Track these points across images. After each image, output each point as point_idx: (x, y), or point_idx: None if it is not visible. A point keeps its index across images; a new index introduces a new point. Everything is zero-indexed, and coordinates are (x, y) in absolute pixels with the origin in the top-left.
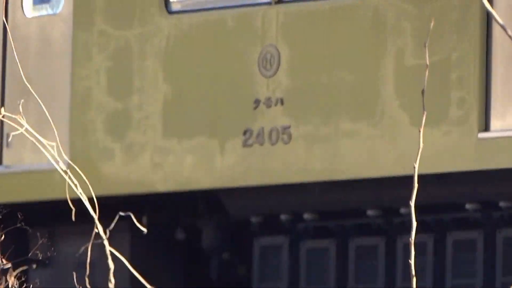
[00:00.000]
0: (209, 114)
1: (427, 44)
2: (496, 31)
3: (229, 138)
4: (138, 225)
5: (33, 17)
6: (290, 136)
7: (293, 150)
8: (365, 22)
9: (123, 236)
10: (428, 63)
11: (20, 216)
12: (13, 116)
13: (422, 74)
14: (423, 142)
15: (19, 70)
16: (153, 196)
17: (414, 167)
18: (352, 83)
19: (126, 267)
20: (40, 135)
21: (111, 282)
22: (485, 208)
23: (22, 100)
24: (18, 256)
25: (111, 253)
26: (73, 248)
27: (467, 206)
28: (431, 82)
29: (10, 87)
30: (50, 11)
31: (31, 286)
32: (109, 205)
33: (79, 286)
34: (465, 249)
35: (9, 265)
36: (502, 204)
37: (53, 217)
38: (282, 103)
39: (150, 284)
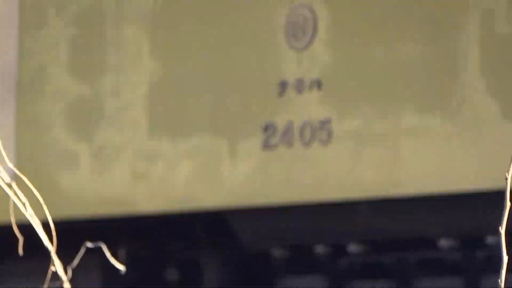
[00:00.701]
0: (214, 103)
1: None
2: None
3: (243, 137)
4: (112, 260)
5: None
6: (330, 134)
7: (334, 154)
8: None
9: (91, 276)
10: None
11: None
12: None
13: None
14: None
15: None
16: (135, 219)
17: (506, 179)
18: (418, 59)
19: None
20: None
21: None
22: None
23: None
24: None
25: None
26: None
27: None
28: None
29: None
30: None
31: None
32: (72, 232)
33: None
34: None
35: None
36: None
37: None
38: (319, 87)
39: None
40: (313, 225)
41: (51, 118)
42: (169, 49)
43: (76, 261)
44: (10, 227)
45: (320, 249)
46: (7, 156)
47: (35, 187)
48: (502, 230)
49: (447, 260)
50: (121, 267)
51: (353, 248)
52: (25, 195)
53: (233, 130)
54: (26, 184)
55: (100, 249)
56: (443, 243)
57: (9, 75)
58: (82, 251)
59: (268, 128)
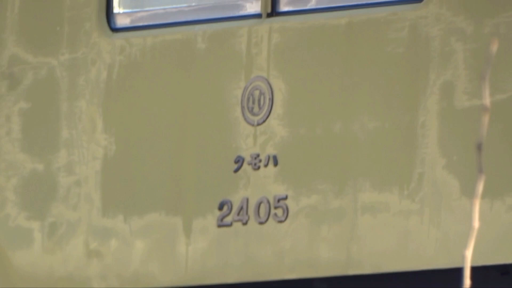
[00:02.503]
0: (170, 179)
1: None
2: None
3: (198, 215)
4: None
5: None
6: (286, 212)
7: (291, 232)
8: (398, 43)
9: None
10: (487, 103)
11: None
12: None
13: (478, 120)
14: (479, 221)
15: None
16: None
17: (465, 257)
18: (377, 134)
19: None
20: None
21: None
22: None
23: None
24: None
25: None
26: None
27: None
28: (493, 131)
29: None
30: None
31: None
32: None
33: None
34: None
35: None
36: None
37: None
38: (275, 163)
39: None
40: None
41: (3, 194)
42: (123, 124)
43: None
44: None
45: None
46: None
47: None
48: None
49: None
50: None
51: None
52: None
53: (188, 207)
54: None
55: None
56: None
57: None
58: None
59: (224, 206)
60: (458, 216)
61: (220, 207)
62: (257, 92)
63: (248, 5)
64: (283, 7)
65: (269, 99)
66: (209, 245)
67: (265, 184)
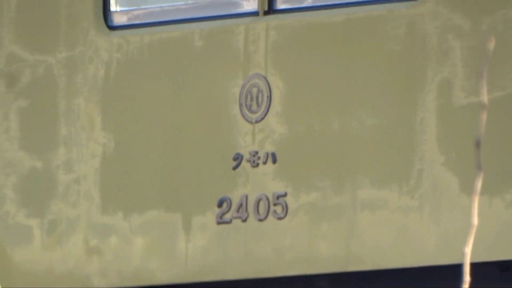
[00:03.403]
0: (169, 176)
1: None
2: None
3: (198, 212)
4: None
5: None
6: (286, 209)
7: (290, 229)
8: (396, 41)
9: None
10: (485, 100)
11: None
12: None
13: (476, 117)
14: (478, 218)
15: None
16: None
17: (464, 254)
18: (375, 131)
19: None
20: None
21: None
22: None
23: None
24: None
25: None
26: None
27: None
28: (491, 128)
29: None
30: None
31: None
32: None
33: None
34: None
35: None
36: None
37: None
38: (274, 160)
39: None
40: None
41: (2, 192)
42: (121, 121)
43: None
44: None
45: None
46: None
47: None
48: None
49: None
50: None
51: None
52: None
53: (188, 205)
54: None
55: None
56: None
57: None
58: None
59: (223, 203)
60: (457, 213)
61: (220, 204)
62: (255, 90)
63: (245, 3)
64: (280, 5)
65: (267, 96)
66: (209, 242)
67: (264, 181)
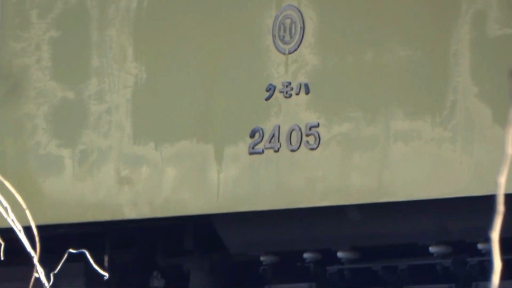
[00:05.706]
0: (200, 107)
1: None
2: None
3: (229, 142)
4: (96, 267)
5: None
6: (318, 139)
7: (322, 159)
8: None
9: (75, 282)
10: None
11: None
12: None
13: (510, 48)
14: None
15: None
16: (119, 226)
17: (498, 184)
18: (409, 62)
19: None
20: None
21: None
22: None
23: None
24: None
25: None
26: None
27: None
28: None
29: None
30: None
31: None
32: (55, 238)
33: None
34: None
35: None
36: None
37: None
38: (307, 91)
39: None
40: (302, 232)
41: (34, 122)
42: (153, 52)
43: (58, 268)
44: None
45: (308, 256)
46: None
47: (17, 192)
48: (495, 236)
49: (438, 266)
50: (104, 273)
51: (342, 254)
52: (7, 200)
53: (220, 135)
54: (8, 188)
55: (84, 255)
56: (434, 249)
57: None
58: (64, 257)
59: (255, 133)
60: (490, 144)
61: (252, 135)
62: (288, 21)
63: None
64: None
65: (301, 27)
66: (241, 173)
67: (296, 112)
